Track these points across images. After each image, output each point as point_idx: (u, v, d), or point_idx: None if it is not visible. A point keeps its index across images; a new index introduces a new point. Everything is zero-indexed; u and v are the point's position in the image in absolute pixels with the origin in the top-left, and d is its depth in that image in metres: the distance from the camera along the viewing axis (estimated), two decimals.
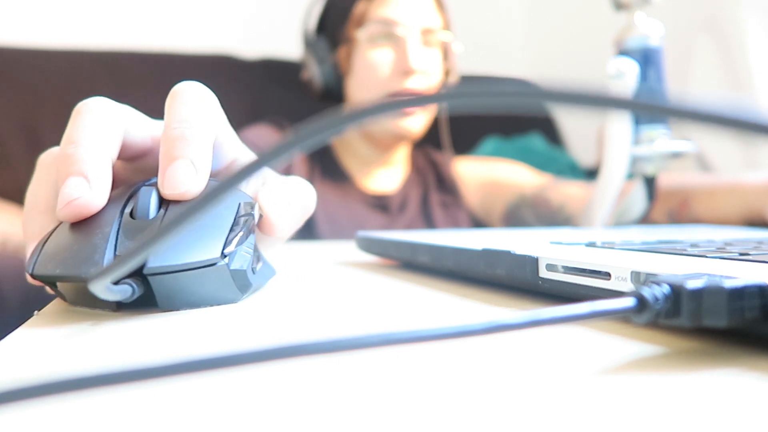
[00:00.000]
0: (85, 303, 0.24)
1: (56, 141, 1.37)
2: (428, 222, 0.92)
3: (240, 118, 1.29)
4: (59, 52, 1.44)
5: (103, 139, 0.25)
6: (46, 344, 0.18)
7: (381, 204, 0.90)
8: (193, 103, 0.25)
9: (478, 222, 0.96)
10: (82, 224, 0.24)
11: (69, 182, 0.23)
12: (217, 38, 1.64)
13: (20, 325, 0.21)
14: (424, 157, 0.99)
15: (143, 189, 0.24)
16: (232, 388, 0.14)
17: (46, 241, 0.24)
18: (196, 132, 0.25)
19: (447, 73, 0.92)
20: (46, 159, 0.27)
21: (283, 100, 1.41)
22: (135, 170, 0.29)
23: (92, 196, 0.23)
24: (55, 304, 0.25)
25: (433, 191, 0.95)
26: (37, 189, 0.26)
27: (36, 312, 0.23)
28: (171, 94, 0.26)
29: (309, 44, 0.92)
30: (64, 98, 1.40)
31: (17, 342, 0.18)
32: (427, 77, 0.86)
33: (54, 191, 0.26)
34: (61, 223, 0.25)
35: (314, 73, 0.91)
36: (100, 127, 0.25)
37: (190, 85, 0.26)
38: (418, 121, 0.87)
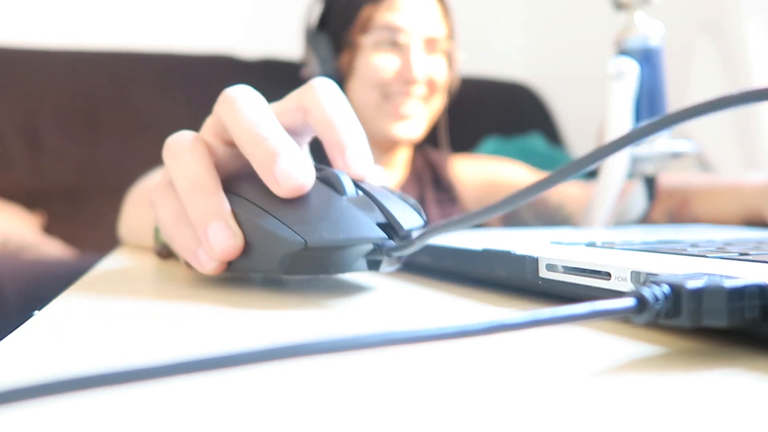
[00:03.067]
0: (316, 269, 0.26)
1: (56, 141, 1.37)
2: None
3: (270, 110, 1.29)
4: (59, 52, 1.44)
5: (276, 120, 0.27)
6: (46, 344, 0.18)
7: None
8: (338, 95, 0.29)
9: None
10: (299, 197, 0.25)
11: (284, 163, 0.25)
12: (217, 38, 1.64)
13: (20, 325, 0.21)
14: (422, 157, 0.99)
15: (336, 171, 0.27)
16: (232, 388, 0.14)
17: (267, 218, 0.25)
18: (355, 120, 0.28)
19: (449, 81, 0.91)
20: (189, 141, 0.27)
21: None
22: (236, 155, 0.29)
23: (309, 176, 0.25)
24: (55, 304, 0.25)
25: (430, 191, 0.95)
26: (194, 168, 0.27)
27: (36, 312, 0.23)
28: (310, 87, 0.28)
29: (310, 43, 0.92)
30: (64, 98, 1.40)
31: (17, 342, 0.18)
32: (429, 85, 0.85)
33: (213, 172, 0.27)
34: (228, 202, 0.26)
35: (315, 72, 0.91)
36: (268, 108, 0.27)
37: (327, 81, 0.29)
38: (413, 128, 0.86)
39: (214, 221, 0.25)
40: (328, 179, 0.27)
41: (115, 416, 0.12)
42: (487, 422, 0.12)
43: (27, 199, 1.31)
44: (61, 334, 0.19)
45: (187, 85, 1.46)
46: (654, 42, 0.58)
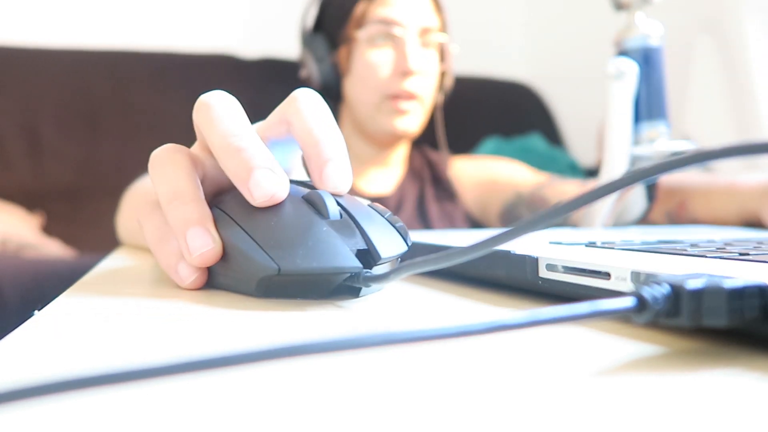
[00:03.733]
0: (293, 294, 0.26)
1: (56, 141, 1.37)
2: (424, 222, 0.91)
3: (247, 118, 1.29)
4: (59, 52, 1.44)
5: (251, 129, 0.27)
6: (46, 344, 0.18)
7: None
8: (321, 107, 0.28)
9: (474, 221, 0.96)
10: (279, 219, 0.25)
11: (258, 174, 0.25)
12: (217, 38, 1.64)
13: (20, 325, 0.21)
14: (421, 157, 0.99)
15: (320, 192, 0.26)
16: (232, 388, 0.14)
17: (245, 239, 0.25)
18: (336, 133, 0.28)
19: (443, 74, 0.92)
20: (171, 153, 0.28)
21: (283, 99, 1.41)
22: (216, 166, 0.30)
23: (283, 187, 0.26)
24: (55, 304, 0.25)
25: (429, 191, 0.95)
26: (175, 179, 0.27)
27: (36, 312, 0.23)
28: (293, 99, 0.28)
29: (307, 43, 0.92)
30: (64, 98, 1.40)
31: (17, 342, 0.18)
32: (424, 78, 0.86)
33: (194, 181, 0.27)
34: (208, 209, 0.27)
35: (312, 71, 0.92)
36: (244, 118, 0.27)
37: (309, 92, 0.29)
38: (413, 121, 0.87)
39: (193, 227, 0.26)
40: (312, 200, 0.26)
41: (115, 416, 0.12)
42: (488, 422, 0.12)
43: (27, 199, 1.31)
44: (61, 334, 0.19)
45: (187, 85, 1.46)
46: (654, 42, 0.58)
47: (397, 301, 0.26)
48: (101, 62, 1.45)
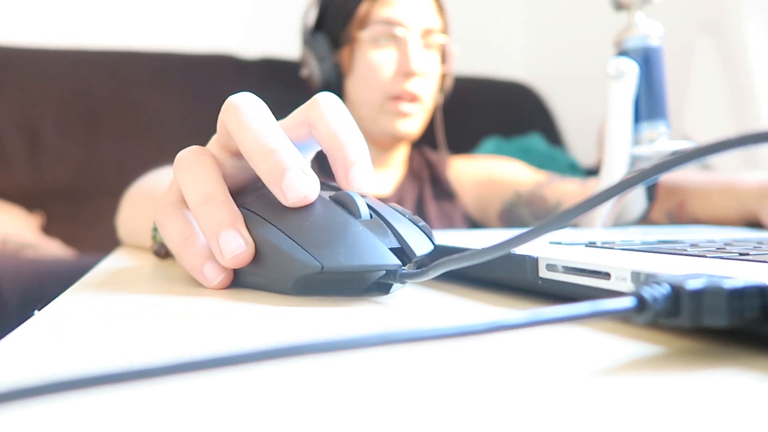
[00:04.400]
0: (328, 291, 0.27)
1: (56, 141, 1.37)
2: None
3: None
4: (59, 52, 1.44)
5: (282, 131, 0.27)
6: (46, 344, 0.18)
7: None
8: (343, 111, 0.29)
9: (473, 221, 0.96)
10: (315, 219, 0.26)
11: (291, 175, 0.26)
12: (217, 38, 1.64)
13: (20, 325, 0.21)
14: (420, 157, 0.99)
15: (350, 193, 0.27)
16: (232, 388, 0.14)
17: (281, 237, 0.26)
18: (360, 136, 0.29)
19: (444, 75, 0.92)
20: (198, 155, 0.28)
21: (283, 99, 1.41)
22: (242, 167, 0.30)
23: (314, 188, 0.26)
24: (56, 304, 0.25)
25: (428, 191, 0.95)
26: (205, 182, 0.27)
27: (36, 312, 0.23)
28: (315, 102, 0.29)
29: (308, 42, 0.92)
30: (64, 98, 1.40)
31: (17, 342, 0.18)
32: (426, 79, 0.86)
33: (223, 184, 0.28)
34: (239, 211, 0.27)
35: (314, 71, 0.92)
36: (273, 120, 0.28)
37: (331, 97, 0.30)
38: (414, 124, 0.87)
39: (225, 229, 0.26)
40: (342, 201, 0.27)
41: (115, 416, 0.12)
42: (488, 422, 0.12)
43: (27, 199, 1.31)
44: (62, 333, 0.19)
45: (187, 85, 1.46)
46: (654, 42, 0.58)
47: (396, 301, 0.26)
48: (101, 62, 1.45)
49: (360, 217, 0.26)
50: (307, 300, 0.26)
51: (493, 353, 0.17)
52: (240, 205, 0.28)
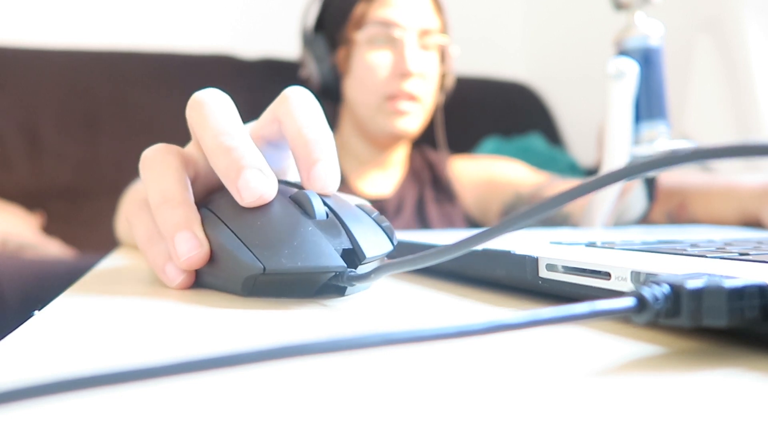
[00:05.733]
0: (279, 293, 0.26)
1: (56, 141, 1.37)
2: (423, 224, 0.91)
3: (240, 117, 1.29)
4: (59, 52, 1.44)
5: (243, 128, 0.27)
6: (46, 344, 0.18)
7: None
8: (312, 106, 0.28)
9: (473, 222, 0.96)
10: (266, 219, 0.25)
11: (247, 174, 0.25)
12: (217, 38, 1.64)
13: (20, 325, 0.21)
14: (420, 157, 0.99)
15: (307, 192, 0.26)
16: (232, 388, 0.14)
17: (232, 238, 0.25)
18: (326, 133, 0.27)
19: (444, 76, 0.92)
20: (161, 154, 0.28)
21: None
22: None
23: (272, 187, 0.26)
24: (55, 304, 0.25)
25: (429, 193, 0.95)
26: (164, 181, 0.27)
27: (36, 312, 0.23)
28: (284, 98, 0.28)
29: (307, 43, 0.92)
30: (64, 98, 1.40)
31: (17, 342, 0.18)
32: (424, 79, 0.86)
33: (183, 183, 0.27)
34: (199, 213, 0.27)
35: (312, 72, 0.92)
36: (236, 117, 0.27)
37: (301, 90, 0.28)
38: (413, 122, 0.87)
39: (180, 231, 0.26)
40: (299, 200, 0.26)
41: (115, 416, 0.12)
42: (488, 422, 0.12)
43: (27, 199, 1.31)
44: (61, 334, 0.19)
45: (187, 85, 1.45)
46: (654, 42, 0.58)
47: (396, 301, 0.26)
48: (101, 62, 1.45)
49: (314, 217, 0.26)
50: (252, 302, 0.25)
51: (493, 353, 0.17)
52: (204, 205, 0.28)
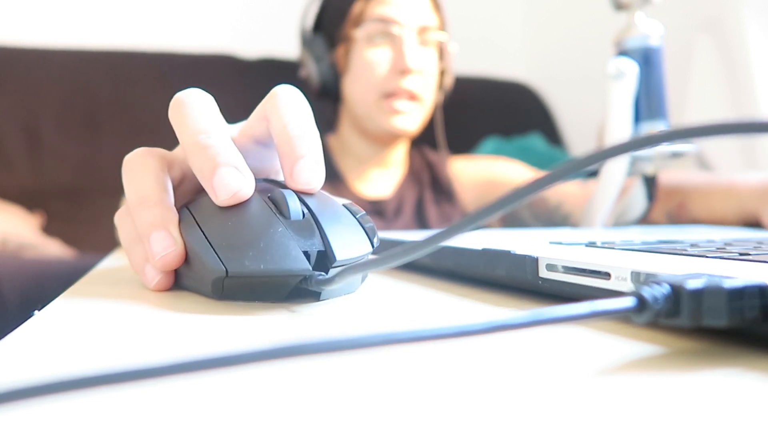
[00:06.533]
0: (249, 296, 0.25)
1: (56, 141, 1.37)
2: (423, 224, 0.92)
3: (240, 117, 1.29)
4: (59, 52, 1.44)
5: (226, 128, 0.27)
6: (46, 344, 0.18)
7: (376, 209, 0.90)
8: (299, 103, 0.28)
9: None
10: (237, 219, 0.25)
11: (222, 171, 0.25)
12: (217, 38, 1.64)
13: (20, 325, 0.21)
14: (420, 158, 0.99)
15: (284, 191, 0.26)
16: (232, 388, 0.14)
17: (200, 239, 0.25)
18: (312, 130, 0.27)
19: (443, 72, 0.92)
20: (140, 157, 0.28)
21: None
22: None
23: (248, 185, 0.25)
24: (55, 304, 0.25)
25: (428, 192, 0.95)
26: (141, 183, 0.27)
27: (36, 312, 0.23)
28: (272, 95, 0.28)
29: (306, 43, 0.92)
30: (64, 98, 1.40)
31: (17, 342, 0.18)
32: (423, 76, 0.86)
33: (160, 184, 0.27)
34: (178, 212, 0.27)
35: (311, 71, 0.92)
36: (216, 116, 0.27)
37: (289, 88, 0.28)
38: (411, 120, 0.86)
39: (156, 231, 0.26)
40: (275, 199, 0.26)
41: (115, 416, 0.12)
42: (488, 422, 0.12)
43: (27, 199, 1.31)
44: (61, 334, 0.19)
45: (187, 85, 1.44)
46: (654, 42, 0.58)
47: (396, 301, 0.26)
48: (101, 62, 1.45)
49: (289, 217, 0.25)
50: (219, 307, 0.24)
51: (493, 353, 0.17)
52: (185, 206, 0.27)
